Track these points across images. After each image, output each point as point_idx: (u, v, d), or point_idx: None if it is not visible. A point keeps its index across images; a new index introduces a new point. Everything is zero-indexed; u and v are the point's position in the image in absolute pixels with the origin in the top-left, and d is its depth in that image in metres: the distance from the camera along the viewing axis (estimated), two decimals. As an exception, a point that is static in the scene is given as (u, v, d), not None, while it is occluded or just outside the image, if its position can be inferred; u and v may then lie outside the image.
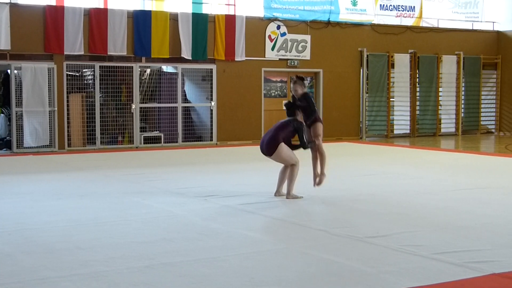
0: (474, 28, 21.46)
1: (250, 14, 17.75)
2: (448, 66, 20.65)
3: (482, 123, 21.68)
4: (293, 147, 8.48)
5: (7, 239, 6.25)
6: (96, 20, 15.62)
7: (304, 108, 8.50)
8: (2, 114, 16.30)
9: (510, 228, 6.74)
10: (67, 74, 15.56)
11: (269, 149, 8.36)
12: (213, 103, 17.18)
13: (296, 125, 8.44)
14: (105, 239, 6.23)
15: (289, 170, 8.44)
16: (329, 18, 18.73)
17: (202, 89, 17.58)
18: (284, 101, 8.85)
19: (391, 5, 20.23)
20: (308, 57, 17.96)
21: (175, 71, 16.92)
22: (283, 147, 8.33)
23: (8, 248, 5.89)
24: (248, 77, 17.55)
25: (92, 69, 15.90)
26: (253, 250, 5.81)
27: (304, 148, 8.50)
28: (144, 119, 16.87)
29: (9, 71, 15.29)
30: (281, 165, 8.63)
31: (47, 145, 15.22)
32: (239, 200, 8.32)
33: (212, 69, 17.13)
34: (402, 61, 19.79)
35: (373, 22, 19.56)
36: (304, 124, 8.57)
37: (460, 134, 20.88)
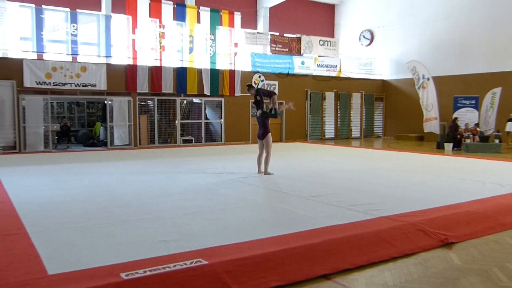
0: (370, 77, 21.56)
1: (244, 69, 17.71)
2: (356, 99, 20.71)
3: (375, 131, 21.78)
4: (268, 115, 8.13)
5: (104, 198, 6.23)
6: (155, 72, 15.52)
7: (264, 94, 8.34)
8: (102, 127, 16.16)
9: (395, 186, 6.75)
10: (138, 104, 15.46)
11: (263, 134, 8.17)
12: (222, 120, 17.13)
13: (267, 112, 8.21)
14: (159, 198, 6.22)
15: (265, 156, 8.35)
16: (288, 71, 18.73)
17: (216, 112, 17.51)
18: (257, 113, 8.56)
19: (324, 64, 20.27)
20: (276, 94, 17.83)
21: (200, 101, 16.85)
22: (270, 136, 8.20)
23: (104, 203, 5.87)
24: (242, 105, 17.49)
25: (153, 101, 15.80)
26: (245, 204, 5.82)
27: (275, 115, 8.13)
28: (183, 129, 16.77)
29: (105, 102, 15.19)
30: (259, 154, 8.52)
31: (127, 144, 15.11)
32: (237, 176, 8.32)
33: (221, 100, 17.07)
34: (330, 96, 19.82)
35: (313, 74, 19.58)
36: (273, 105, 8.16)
37: (362, 137, 20.96)
